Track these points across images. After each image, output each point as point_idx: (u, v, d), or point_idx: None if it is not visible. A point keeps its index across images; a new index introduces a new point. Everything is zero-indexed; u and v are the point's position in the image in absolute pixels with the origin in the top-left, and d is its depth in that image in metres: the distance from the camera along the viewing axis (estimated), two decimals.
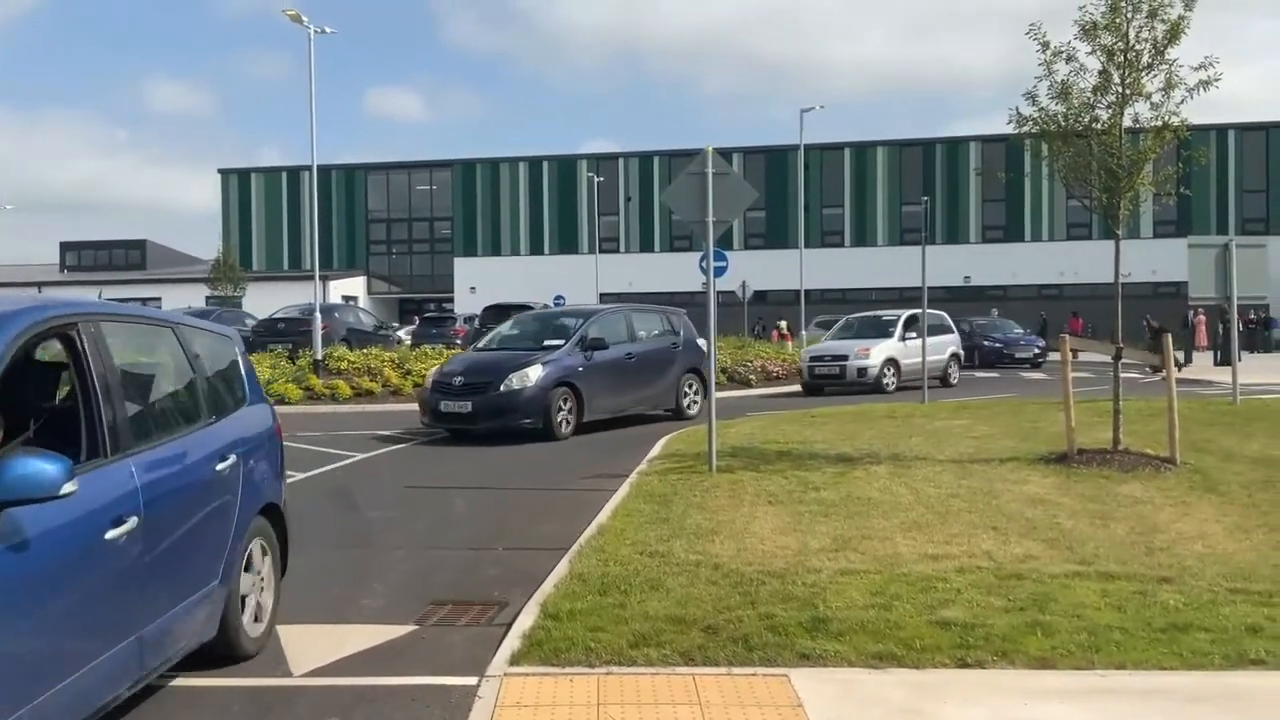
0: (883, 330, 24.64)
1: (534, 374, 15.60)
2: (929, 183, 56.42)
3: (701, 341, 16.60)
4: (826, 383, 23.88)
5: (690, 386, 18.12)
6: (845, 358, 23.76)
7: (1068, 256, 52.45)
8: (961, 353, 27.29)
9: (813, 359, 24.44)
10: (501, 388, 15.59)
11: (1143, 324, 35.00)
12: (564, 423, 15.74)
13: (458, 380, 16.06)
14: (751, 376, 25.72)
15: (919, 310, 22.67)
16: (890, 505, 9.19)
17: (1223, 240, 17.78)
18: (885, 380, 23.46)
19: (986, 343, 35.97)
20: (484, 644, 5.94)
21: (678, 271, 52.54)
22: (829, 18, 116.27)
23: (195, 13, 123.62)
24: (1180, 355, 30.46)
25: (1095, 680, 5.19)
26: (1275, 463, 11.16)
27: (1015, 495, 9.59)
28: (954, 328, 26.85)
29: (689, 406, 17.98)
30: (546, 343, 16.69)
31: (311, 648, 6.01)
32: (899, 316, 24.95)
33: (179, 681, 5.55)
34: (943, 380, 24.70)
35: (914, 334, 23.16)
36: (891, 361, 23.74)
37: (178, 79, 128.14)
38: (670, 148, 59.29)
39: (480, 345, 18.65)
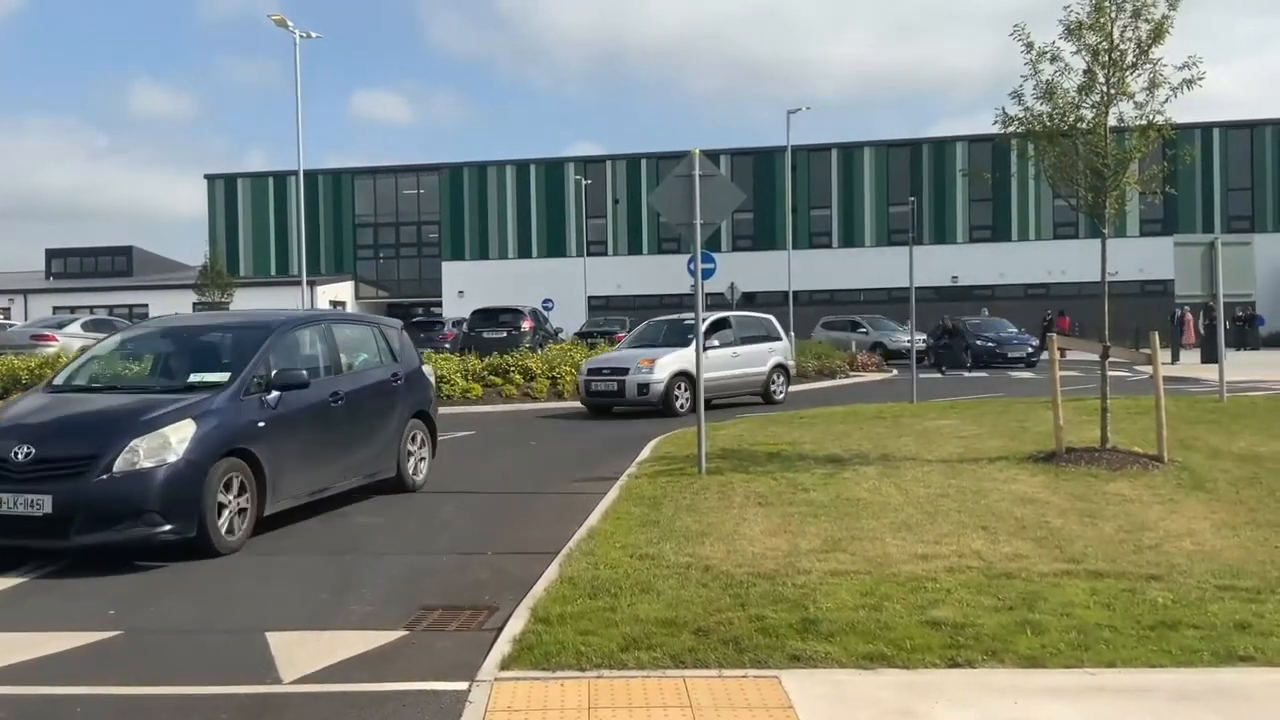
0: (682, 336, 20.13)
1: (177, 437, 8.39)
2: (916, 183, 56.54)
3: (428, 368, 12.15)
4: (607, 401, 19.72)
5: (416, 441, 11.54)
6: (625, 371, 19.40)
7: (1055, 256, 52.63)
8: (791, 365, 22.85)
9: (590, 372, 20.16)
10: (113, 468, 8.13)
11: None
12: (230, 526, 8.63)
13: (23, 453, 8.18)
14: None
15: (732, 313, 21.21)
16: (880, 506, 9.20)
17: (1209, 238, 17.87)
18: (675, 398, 19.16)
19: (979, 342, 35.27)
20: (474, 648, 5.93)
21: (666, 274, 52.60)
22: (812, 18, 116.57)
23: (178, 18, 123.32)
24: (1167, 353, 30.69)
25: (1085, 679, 5.20)
26: (1262, 460, 11.21)
27: (1004, 494, 9.61)
28: (781, 334, 22.62)
29: (416, 471, 11.48)
30: (196, 378, 9.39)
31: (301, 654, 5.99)
32: (705, 320, 19.93)
33: (165, 690, 5.53)
34: (764, 397, 21.29)
35: (718, 342, 20.06)
36: (684, 376, 19.11)
37: (162, 84, 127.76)
38: (657, 150, 59.31)
39: (61, 380, 9.93)
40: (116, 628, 6.65)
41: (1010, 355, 34.84)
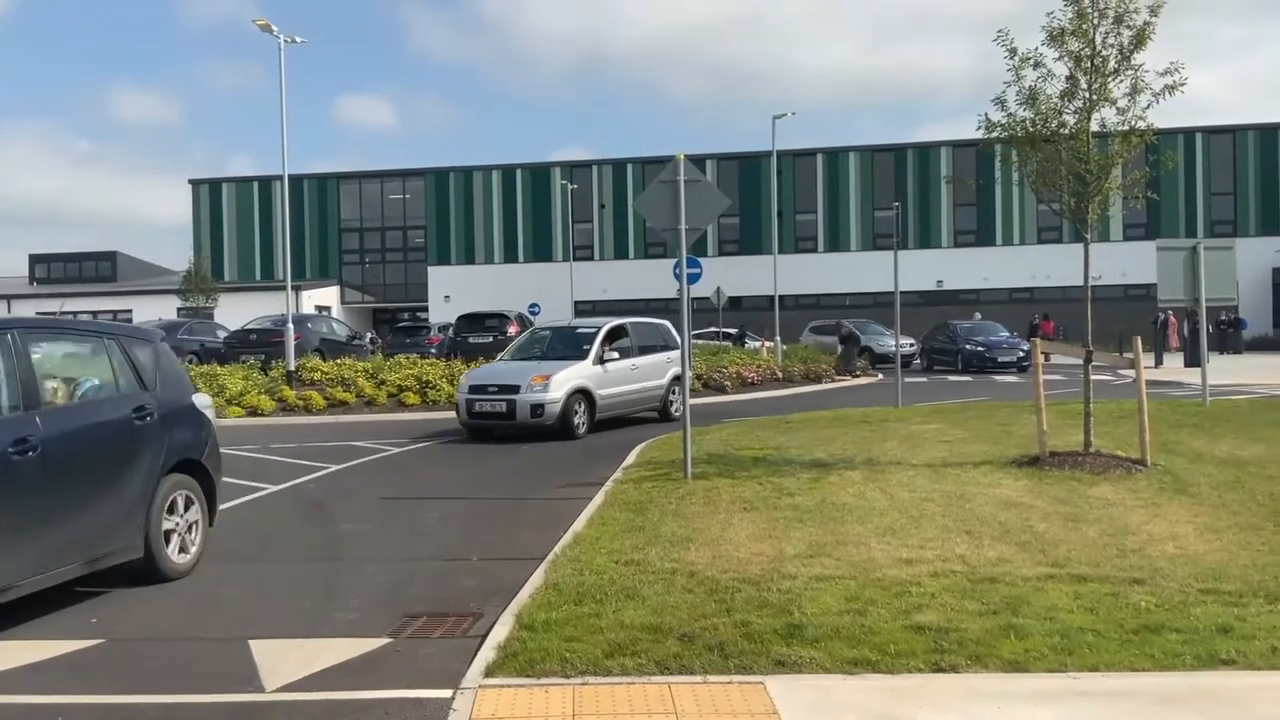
0: (576, 347, 18.06)
1: None
2: (901, 188, 56.70)
3: (203, 400, 8.84)
4: (492, 424, 17.09)
5: (179, 506, 8.15)
6: (515, 389, 16.79)
7: (1039, 260, 52.80)
8: (688, 375, 19.66)
9: (472, 390, 17.32)
10: None
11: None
12: None
13: None
14: (726, 383, 25.77)
15: (629, 319, 19.27)
16: (865, 510, 9.22)
17: (1191, 243, 17.93)
18: (575, 420, 16.83)
19: (967, 346, 34.59)
20: (459, 656, 5.91)
21: (652, 278, 52.60)
22: (795, 23, 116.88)
23: (162, 23, 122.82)
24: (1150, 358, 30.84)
25: (1068, 682, 5.22)
26: (1244, 463, 11.27)
27: (988, 499, 9.64)
28: (676, 341, 19.12)
29: (179, 549, 8.11)
30: None
31: (284, 662, 5.96)
32: (598, 329, 18.37)
33: (148, 698, 5.50)
34: (660, 413, 19.13)
35: (618, 353, 17.92)
36: (582, 394, 17.11)
37: (146, 89, 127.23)
38: (643, 155, 59.32)
39: None
40: (99, 636, 6.61)
41: (1000, 360, 33.69)
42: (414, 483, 12.99)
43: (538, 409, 16.55)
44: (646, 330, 19.51)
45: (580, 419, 16.92)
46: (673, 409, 19.07)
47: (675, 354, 18.87)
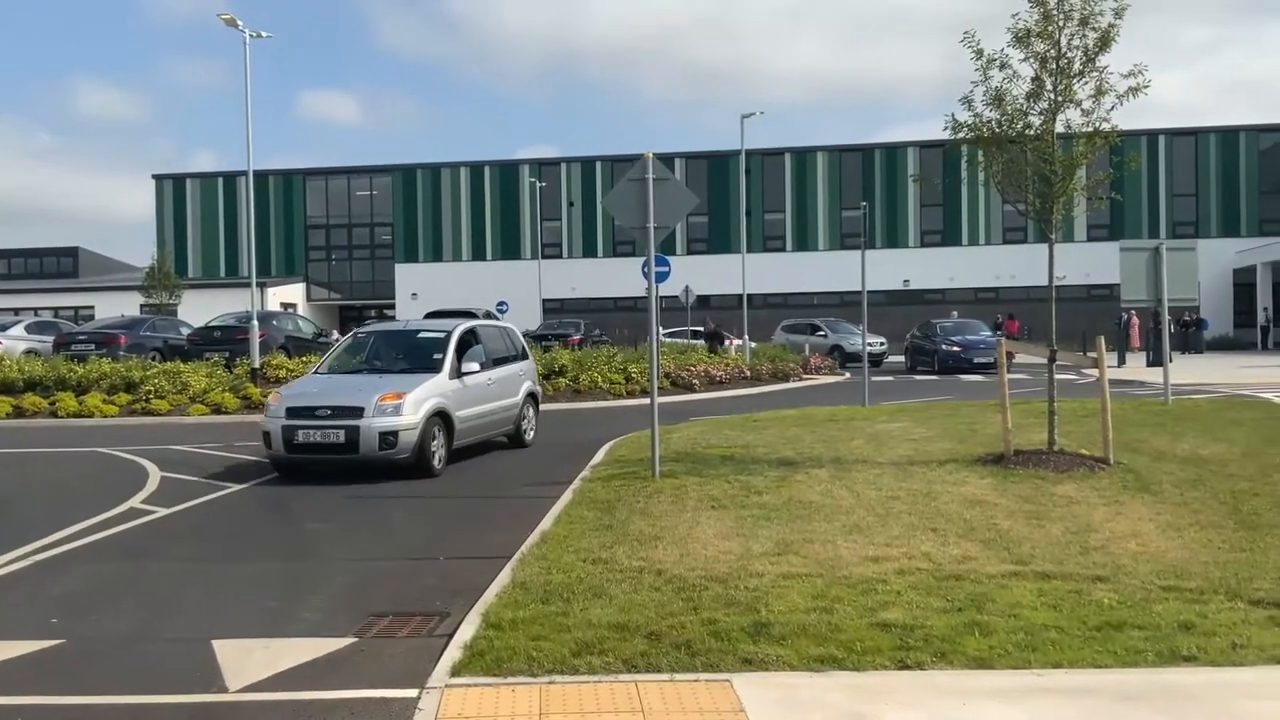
0: (423, 356, 14.10)
1: None
2: (868, 188, 56.98)
3: None
4: (323, 459, 12.76)
5: None
6: (358, 412, 12.55)
7: (1004, 260, 53.23)
8: (539, 391, 16.97)
9: (294, 413, 12.78)
10: None
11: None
12: None
13: None
14: (695, 381, 25.81)
15: (479, 323, 16.20)
16: (832, 509, 9.25)
17: (1153, 244, 18.13)
18: (431, 452, 12.84)
19: (943, 346, 33.38)
20: (425, 655, 5.88)
21: (621, 276, 52.60)
22: (763, 24, 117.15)
23: (125, 17, 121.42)
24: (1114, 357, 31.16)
25: (1032, 679, 5.26)
26: (1205, 462, 11.41)
27: (953, 497, 9.70)
28: (525, 350, 16.67)
29: None
30: None
31: (247, 662, 5.90)
32: (448, 333, 14.39)
33: (110, 699, 5.43)
34: (512, 438, 15.52)
35: (477, 364, 14.13)
36: (441, 417, 13.15)
37: (109, 84, 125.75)
38: (612, 153, 59.28)
39: None
40: (59, 636, 6.52)
41: (976, 361, 31.89)
42: (384, 481, 12.89)
43: (389, 438, 12.40)
44: (495, 336, 15.80)
45: (438, 449, 13.05)
46: (527, 434, 15.76)
47: (528, 366, 16.36)
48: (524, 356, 16.35)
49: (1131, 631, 5.79)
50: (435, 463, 12.93)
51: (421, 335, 14.99)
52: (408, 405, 12.68)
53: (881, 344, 39.01)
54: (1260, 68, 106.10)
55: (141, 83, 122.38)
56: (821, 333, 39.98)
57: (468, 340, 14.57)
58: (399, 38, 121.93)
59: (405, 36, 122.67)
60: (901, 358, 38.08)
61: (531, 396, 16.14)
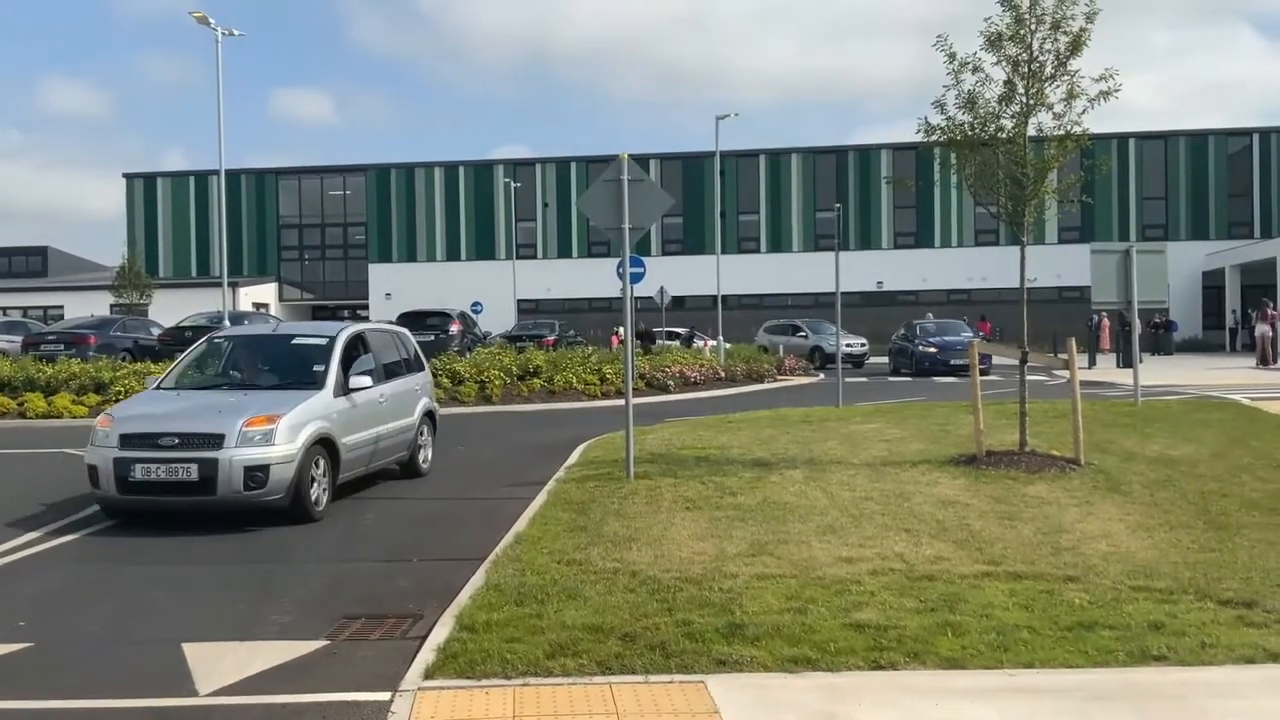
0: (299, 368, 11.47)
1: None
2: (842, 190, 57.20)
3: None
4: (164, 500, 9.95)
5: None
6: (216, 441, 9.83)
7: (976, 262, 53.60)
8: (437, 409, 14.06)
9: (129, 441, 9.95)
10: None
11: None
12: None
13: None
14: (669, 382, 25.82)
15: (367, 326, 13.40)
16: (806, 509, 9.27)
17: (1124, 246, 18.28)
18: (311, 491, 10.18)
19: (921, 348, 32.50)
20: (398, 658, 5.85)
21: (595, 277, 52.58)
22: (736, 25, 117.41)
23: (93, 13, 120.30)
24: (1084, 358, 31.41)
25: (1004, 679, 5.28)
26: (1175, 463, 11.51)
27: (926, 497, 9.75)
28: (421, 359, 13.87)
29: None
30: None
31: (218, 665, 5.86)
32: (331, 339, 11.62)
33: (78, 703, 5.38)
34: (405, 466, 12.76)
35: (368, 377, 11.40)
36: (323, 445, 10.53)
37: (77, 81, 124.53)
38: (587, 154, 59.25)
39: None
40: (27, 639, 6.45)
41: (953, 363, 30.59)
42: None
43: (257, 474, 9.73)
44: (387, 342, 13.02)
45: (321, 487, 10.40)
46: (423, 460, 13.11)
47: (425, 378, 13.70)
48: (420, 367, 13.63)
49: (1102, 631, 5.84)
50: (316, 504, 10.20)
51: (298, 342, 12.24)
52: (282, 431, 9.92)
53: (863, 345, 39.09)
54: (1228, 72, 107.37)
55: (111, 80, 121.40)
56: (802, 333, 40.10)
57: (355, 348, 11.81)
58: (372, 36, 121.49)
59: (378, 35, 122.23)
60: (884, 359, 37.73)
61: (429, 416, 13.38)
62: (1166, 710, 4.95)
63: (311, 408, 10.50)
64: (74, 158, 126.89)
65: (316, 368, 11.21)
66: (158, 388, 11.62)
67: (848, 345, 37.99)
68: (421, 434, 13.05)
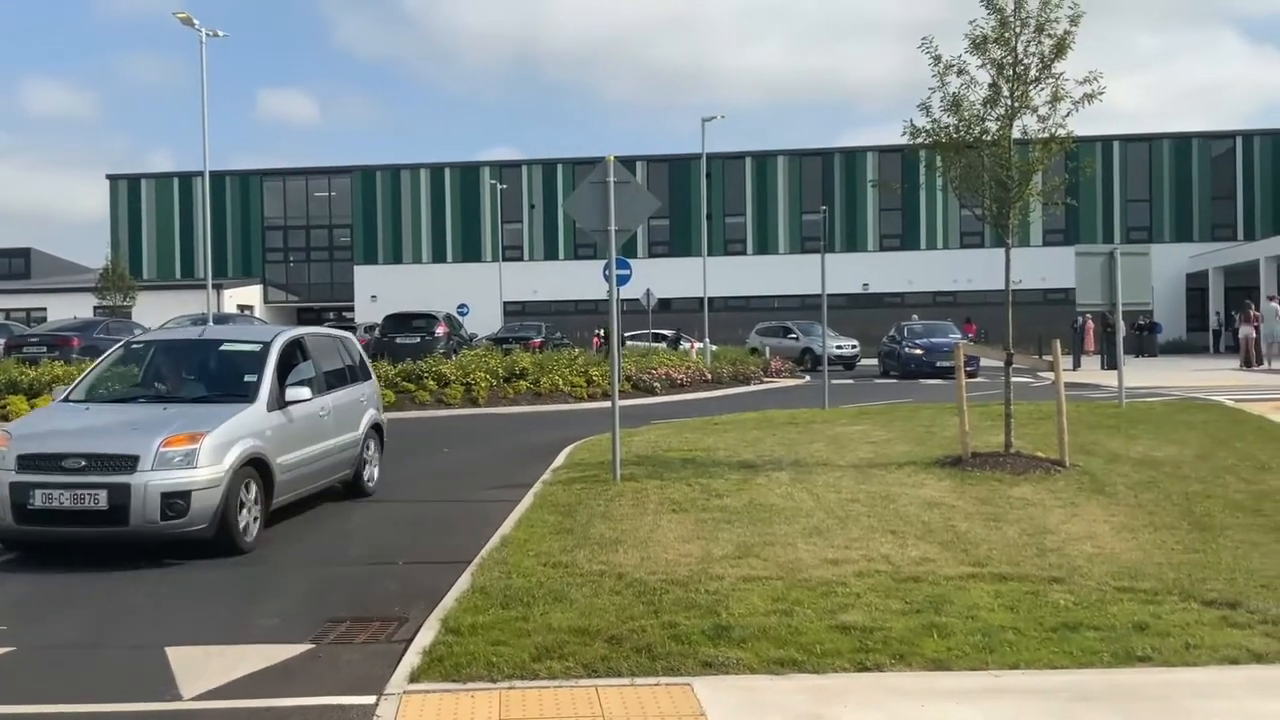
0: (229, 379, 10.24)
1: None
2: (828, 192, 57.31)
3: None
4: (68, 532, 8.60)
5: None
6: (129, 464, 8.52)
7: (962, 264, 53.77)
8: (384, 421, 12.72)
9: (28, 463, 8.65)
10: None
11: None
12: None
13: None
14: (656, 384, 25.82)
15: (304, 330, 11.50)
16: (792, 511, 9.28)
17: (1108, 248, 18.34)
18: (239, 519, 8.95)
19: (907, 350, 32.11)
20: (383, 661, 5.83)
21: (582, 279, 52.50)
22: (724, 28, 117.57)
23: (77, 14, 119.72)
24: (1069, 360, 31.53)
25: (989, 680, 5.30)
26: (1159, 464, 11.55)
27: (912, 499, 9.76)
28: (368, 367, 12.70)
29: None
30: None
31: (202, 670, 5.83)
32: (265, 345, 10.41)
33: (61, 708, 5.34)
34: (350, 485, 11.55)
35: (309, 390, 10.23)
36: (254, 467, 9.30)
37: (61, 82, 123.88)
38: (573, 155, 59.24)
39: None
40: (9, 644, 6.41)
41: (939, 365, 29.97)
42: None
43: (176, 502, 8.49)
44: (329, 349, 11.78)
45: (251, 514, 9.17)
46: (369, 479, 11.86)
47: (371, 388, 12.43)
48: (366, 375, 12.36)
49: (1087, 632, 5.86)
50: (245, 534, 8.97)
51: (228, 348, 10.80)
52: (206, 452, 8.68)
53: (854, 347, 39.10)
54: (1213, 75, 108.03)
55: (94, 81, 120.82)
56: (794, 335, 40.13)
57: (293, 355, 10.57)
58: (357, 37, 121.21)
59: (364, 36, 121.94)
60: (875, 361, 37.40)
61: (376, 429, 12.15)
62: (1151, 711, 4.97)
63: (241, 423, 9.23)
64: (57, 159, 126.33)
65: (248, 378, 9.92)
66: (65, 400, 10.12)
67: (839, 347, 38.05)
68: (368, 449, 11.82)
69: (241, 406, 9.47)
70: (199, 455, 8.65)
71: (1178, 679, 5.28)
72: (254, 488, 9.23)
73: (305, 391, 10.13)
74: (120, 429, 8.94)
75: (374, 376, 12.82)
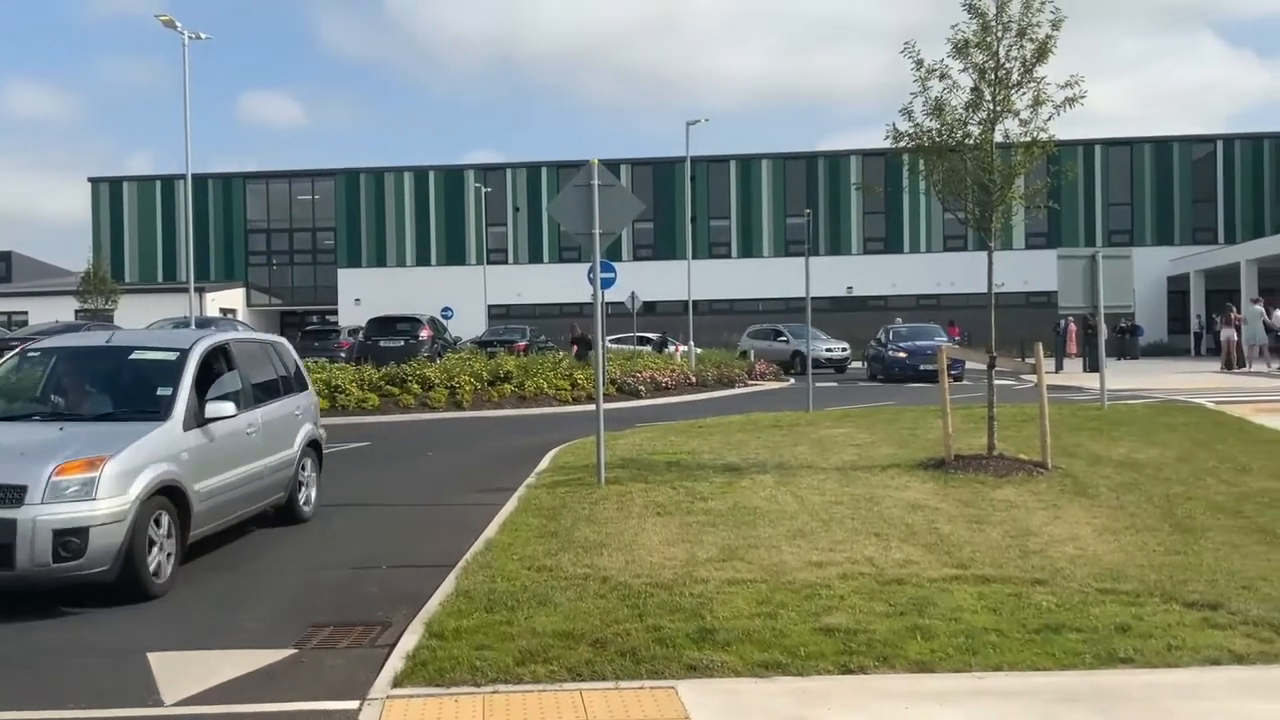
0: (137, 393, 8.85)
1: None
2: (812, 195, 57.40)
3: None
4: None
5: None
6: (16, 495, 7.18)
7: (945, 267, 53.91)
8: (323, 436, 11.33)
9: None
10: None
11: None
12: None
13: None
14: (641, 388, 25.82)
15: (229, 335, 10.18)
16: (776, 514, 9.29)
17: (1090, 252, 18.44)
18: (149, 559, 7.59)
19: (890, 353, 31.94)
20: (366, 666, 5.81)
21: (566, 282, 52.41)
22: (705, 30, 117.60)
23: (58, 17, 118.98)
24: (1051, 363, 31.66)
25: (973, 682, 5.31)
26: (1141, 466, 11.62)
27: (896, 501, 9.79)
28: (305, 376, 11.31)
29: None
30: None
31: (184, 675, 5.80)
32: (183, 353, 8.99)
33: (42, 714, 5.30)
34: (283, 510, 10.25)
35: (234, 404, 8.95)
36: (167, 496, 7.92)
37: (42, 84, 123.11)
38: (557, 159, 59.21)
39: None
40: None
41: (922, 368, 29.61)
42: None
43: (71, 540, 7.23)
44: (258, 356, 10.38)
45: (164, 551, 7.82)
46: (305, 501, 10.57)
47: (307, 400, 11.05)
48: (302, 386, 11.04)
49: (1070, 634, 5.88)
50: (156, 576, 7.65)
51: (139, 356, 9.29)
52: (108, 480, 7.41)
53: (844, 350, 39.18)
54: (1194, 78, 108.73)
55: (76, 83, 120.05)
56: (784, 338, 40.17)
57: (215, 364, 9.23)
58: (340, 40, 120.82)
59: (347, 38, 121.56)
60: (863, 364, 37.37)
61: (313, 447, 10.84)
62: (1133, 712, 4.99)
63: (152, 445, 7.92)
64: (38, 161, 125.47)
65: (161, 391, 8.53)
66: None
67: (828, 350, 38.18)
68: (304, 470, 10.51)
69: (152, 425, 8.11)
70: (99, 484, 7.34)
71: (1160, 680, 5.31)
72: (166, 520, 7.83)
73: (229, 406, 8.79)
74: (5, 454, 7.55)
75: (310, 387, 11.44)
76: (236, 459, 9.06)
